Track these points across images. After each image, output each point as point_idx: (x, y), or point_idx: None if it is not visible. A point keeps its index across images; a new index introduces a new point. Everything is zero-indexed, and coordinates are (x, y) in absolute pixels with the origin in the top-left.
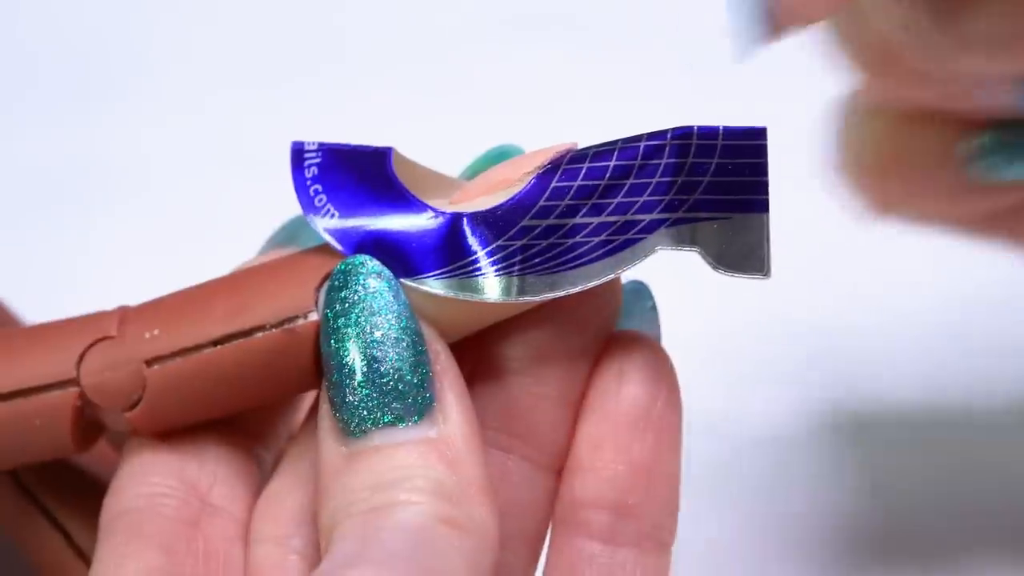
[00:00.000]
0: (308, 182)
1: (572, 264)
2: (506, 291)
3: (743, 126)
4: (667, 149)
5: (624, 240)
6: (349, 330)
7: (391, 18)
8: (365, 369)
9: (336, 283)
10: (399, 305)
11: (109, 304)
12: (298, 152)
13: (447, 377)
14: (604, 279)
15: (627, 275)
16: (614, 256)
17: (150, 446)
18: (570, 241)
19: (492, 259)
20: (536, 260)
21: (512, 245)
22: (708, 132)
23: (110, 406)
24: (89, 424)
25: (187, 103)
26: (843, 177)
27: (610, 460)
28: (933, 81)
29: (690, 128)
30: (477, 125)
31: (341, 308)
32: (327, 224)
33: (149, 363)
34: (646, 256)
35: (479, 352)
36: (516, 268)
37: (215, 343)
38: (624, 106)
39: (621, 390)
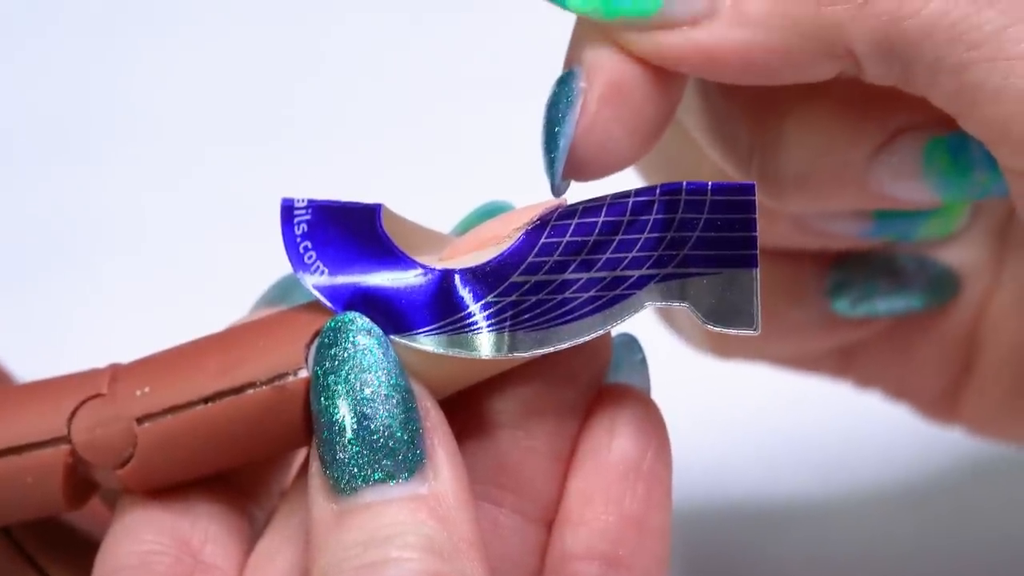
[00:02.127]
0: (298, 239)
1: (562, 320)
2: (496, 347)
3: (732, 182)
4: (656, 205)
5: (613, 296)
6: (339, 387)
7: (382, 75)
8: (355, 426)
9: (326, 340)
10: (389, 362)
11: (102, 361)
12: (288, 209)
13: (437, 434)
14: (594, 335)
15: (617, 328)
16: (603, 312)
17: (142, 504)
18: (559, 297)
19: (482, 315)
20: (526, 316)
21: (501, 301)
22: (697, 188)
23: (101, 463)
24: (81, 482)
25: (180, 161)
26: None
27: (601, 512)
28: (777, 217)
29: (679, 184)
30: (467, 181)
31: (331, 365)
32: (317, 281)
33: (140, 420)
34: (636, 312)
35: (469, 406)
36: (506, 324)
37: (206, 400)
38: None
39: (612, 443)
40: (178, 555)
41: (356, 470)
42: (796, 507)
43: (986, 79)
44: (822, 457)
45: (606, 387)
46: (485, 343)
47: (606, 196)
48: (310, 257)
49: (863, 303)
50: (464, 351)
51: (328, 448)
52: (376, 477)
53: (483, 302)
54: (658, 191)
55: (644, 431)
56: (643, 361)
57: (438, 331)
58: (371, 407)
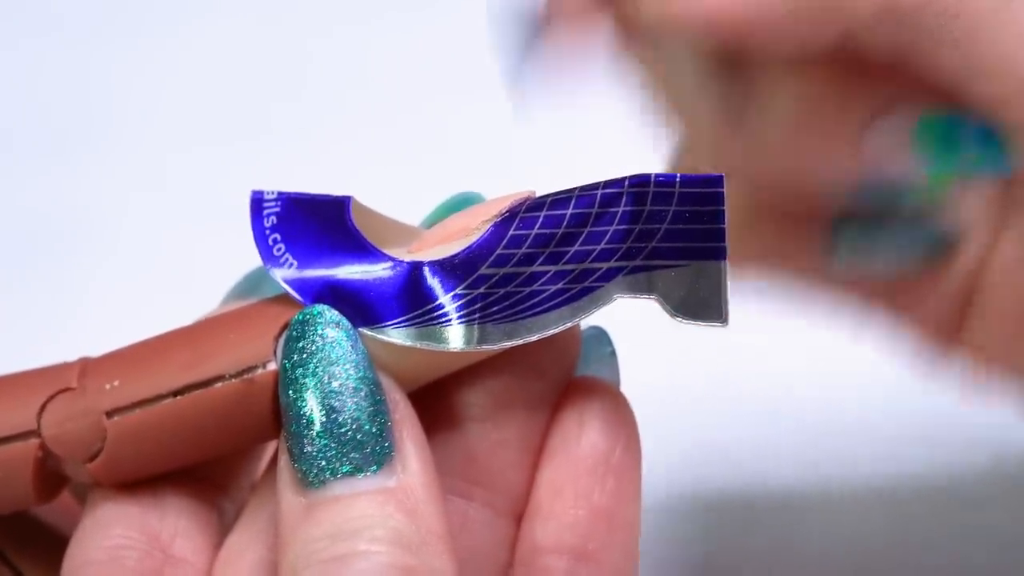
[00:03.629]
0: (267, 231)
1: (530, 312)
2: (465, 340)
3: (700, 174)
4: (624, 197)
5: (582, 288)
6: (307, 380)
7: (361, 72)
8: (323, 419)
9: (294, 333)
10: (357, 355)
11: (75, 354)
12: (257, 201)
13: (406, 426)
14: (562, 328)
15: (586, 321)
16: (572, 304)
17: (113, 498)
18: (528, 289)
19: (451, 307)
20: (494, 308)
21: (470, 293)
22: (665, 180)
23: (71, 457)
24: (51, 475)
25: (160, 158)
26: None
27: (570, 506)
28: (768, 178)
29: (647, 176)
30: (438, 174)
31: (299, 358)
32: (285, 274)
33: (109, 414)
34: (604, 304)
35: (438, 399)
36: (475, 316)
37: (175, 394)
38: (585, 155)
39: (581, 436)
40: (147, 549)
41: (324, 463)
42: (768, 501)
43: (991, 46)
44: (795, 452)
45: (575, 380)
46: (454, 335)
47: (575, 188)
48: (279, 249)
49: (862, 258)
50: (433, 343)
51: (296, 441)
52: (344, 470)
53: (452, 294)
54: (626, 183)
55: (613, 424)
56: (612, 354)
57: (407, 323)
58: (339, 400)
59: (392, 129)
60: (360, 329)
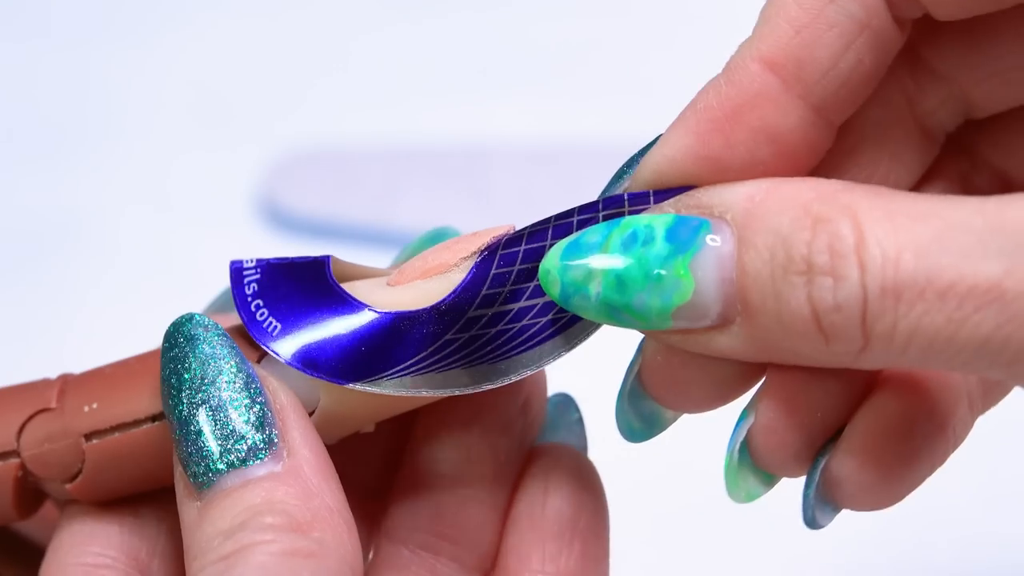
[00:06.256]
0: (249, 298)
1: (525, 347)
2: (463, 382)
3: (672, 188)
4: (600, 220)
5: (572, 315)
6: (181, 383)
7: (357, 73)
8: (202, 417)
9: (166, 345)
10: (227, 350)
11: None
12: (237, 271)
13: (288, 414)
14: (558, 357)
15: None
16: (565, 332)
17: (92, 514)
18: (519, 325)
19: (443, 353)
20: (488, 348)
21: (461, 337)
22: (639, 198)
23: (50, 477)
24: (31, 492)
25: (153, 158)
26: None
27: (537, 570)
28: None
29: (620, 196)
30: (440, 188)
31: (172, 367)
32: (270, 338)
33: (88, 437)
34: (596, 328)
35: (409, 455)
36: (471, 358)
37: (152, 418)
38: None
39: (546, 502)
40: (125, 570)
41: (210, 461)
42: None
43: None
44: (771, 519)
45: (541, 446)
46: (451, 379)
47: (550, 218)
48: (262, 315)
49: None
50: (433, 390)
51: (182, 446)
52: (229, 463)
53: (442, 340)
54: (601, 206)
55: (579, 489)
56: (579, 420)
57: (403, 373)
58: (215, 397)
59: (396, 134)
60: (353, 384)
